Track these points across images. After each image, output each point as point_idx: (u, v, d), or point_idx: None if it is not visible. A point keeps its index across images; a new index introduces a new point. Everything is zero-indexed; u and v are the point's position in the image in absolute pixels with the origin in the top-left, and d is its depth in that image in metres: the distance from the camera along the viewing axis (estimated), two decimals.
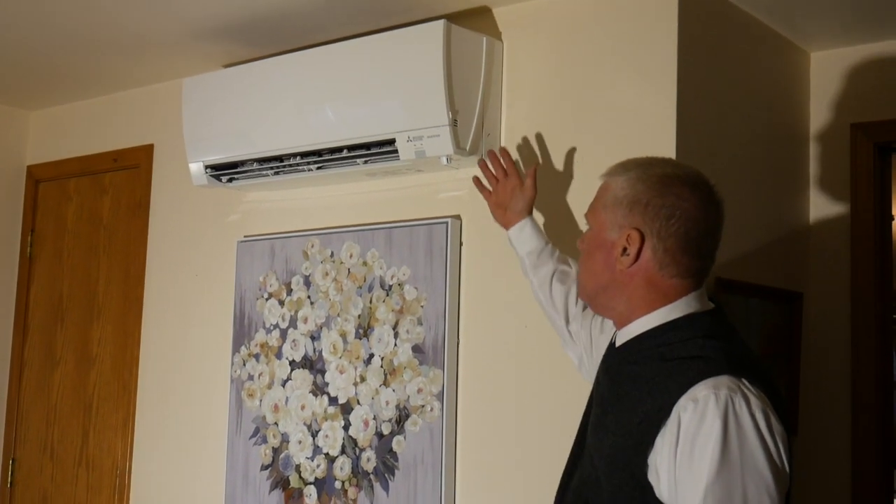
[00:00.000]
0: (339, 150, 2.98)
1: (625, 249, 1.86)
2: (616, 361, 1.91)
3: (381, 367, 3.00)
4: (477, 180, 2.72)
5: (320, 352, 3.16)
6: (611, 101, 2.71)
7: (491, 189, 2.68)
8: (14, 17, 3.17)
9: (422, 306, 2.93)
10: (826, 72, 3.20)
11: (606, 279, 1.90)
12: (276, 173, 3.18)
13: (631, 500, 1.75)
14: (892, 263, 3.21)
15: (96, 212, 4.05)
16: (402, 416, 2.94)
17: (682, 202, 1.84)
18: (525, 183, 2.58)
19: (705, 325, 1.84)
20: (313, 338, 3.18)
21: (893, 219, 3.38)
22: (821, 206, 3.18)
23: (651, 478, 1.71)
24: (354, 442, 3.04)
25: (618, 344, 1.93)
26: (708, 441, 1.64)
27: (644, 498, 1.73)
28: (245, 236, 3.47)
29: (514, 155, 2.87)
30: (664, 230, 1.84)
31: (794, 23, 3.00)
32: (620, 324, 1.92)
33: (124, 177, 3.96)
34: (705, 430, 1.65)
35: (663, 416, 1.70)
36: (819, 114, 3.21)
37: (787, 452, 1.70)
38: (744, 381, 1.70)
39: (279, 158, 3.13)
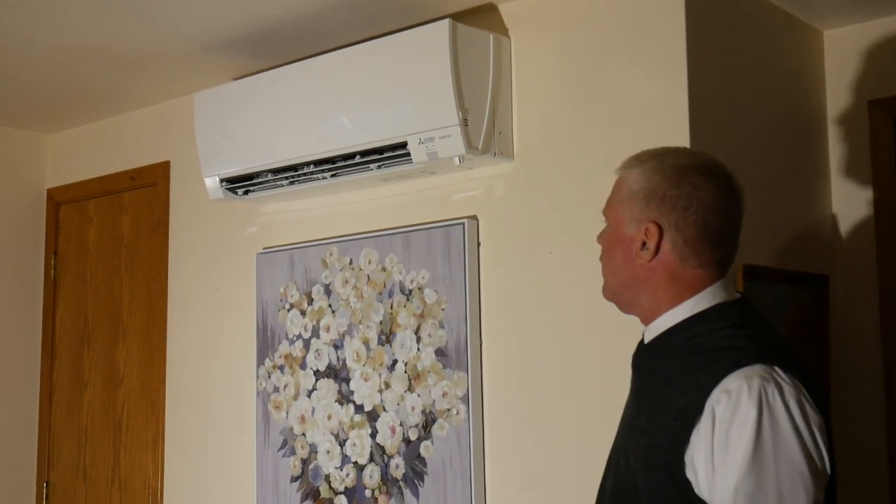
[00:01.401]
0: (351, 156, 2.96)
1: (644, 244, 1.83)
2: (646, 359, 1.89)
3: (405, 372, 2.98)
4: None
5: (344, 360, 3.14)
6: (622, 94, 2.68)
7: None
8: (26, 42, 3.18)
9: (443, 309, 2.91)
10: (840, 50, 3.16)
11: (629, 275, 1.87)
12: (291, 183, 3.17)
13: (669, 500, 1.71)
14: None
15: (117, 231, 4.06)
16: (428, 422, 2.92)
17: (698, 192, 1.81)
18: None
19: (733, 314, 1.81)
20: (336, 346, 3.17)
21: None
22: (843, 187, 3.13)
23: (689, 475, 1.68)
24: (382, 449, 3.02)
25: (646, 341, 1.90)
26: (742, 432, 1.61)
27: (683, 497, 1.69)
28: (264, 248, 3.46)
29: (528, 150, 2.85)
30: (682, 221, 1.81)
31: (804, 2, 2.96)
32: (647, 319, 1.89)
33: (142, 195, 3.97)
34: (739, 421, 1.62)
35: (697, 410, 1.67)
36: (835, 93, 3.16)
37: (826, 441, 1.66)
38: (776, 369, 1.67)
39: (293, 168, 3.12)
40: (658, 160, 1.87)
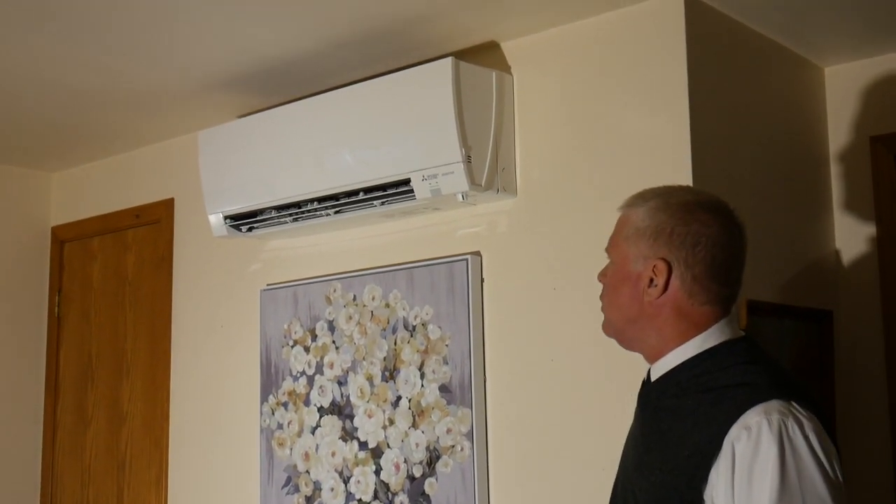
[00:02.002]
0: (355, 192, 2.97)
1: (651, 280, 1.83)
2: (654, 397, 1.87)
3: (409, 408, 2.97)
4: None
5: (348, 396, 3.14)
6: (624, 130, 2.69)
7: None
8: (31, 81, 3.21)
9: (446, 345, 2.91)
10: (841, 86, 3.17)
11: (635, 312, 1.87)
12: (295, 220, 3.18)
13: None
14: None
15: (120, 269, 4.07)
16: (432, 458, 2.91)
17: (706, 228, 1.82)
18: None
19: (743, 351, 1.81)
20: (340, 383, 3.16)
21: None
22: (845, 222, 3.13)
23: None
24: (387, 486, 3.01)
25: (653, 378, 1.89)
26: (766, 469, 1.61)
27: None
28: (268, 284, 3.46)
29: (531, 186, 2.86)
30: (691, 258, 1.81)
31: (805, 39, 2.98)
32: (653, 357, 1.89)
33: (146, 232, 3.98)
34: (762, 457, 1.62)
35: (714, 447, 1.67)
36: (837, 129, 3.17)
37: (841, 470, 1.67)
38: (793, 403, 1.68)
39: (297, 205, 3.13)
40: (663, 198, 1.87)
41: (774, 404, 1.66)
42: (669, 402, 1.82)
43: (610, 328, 1.95)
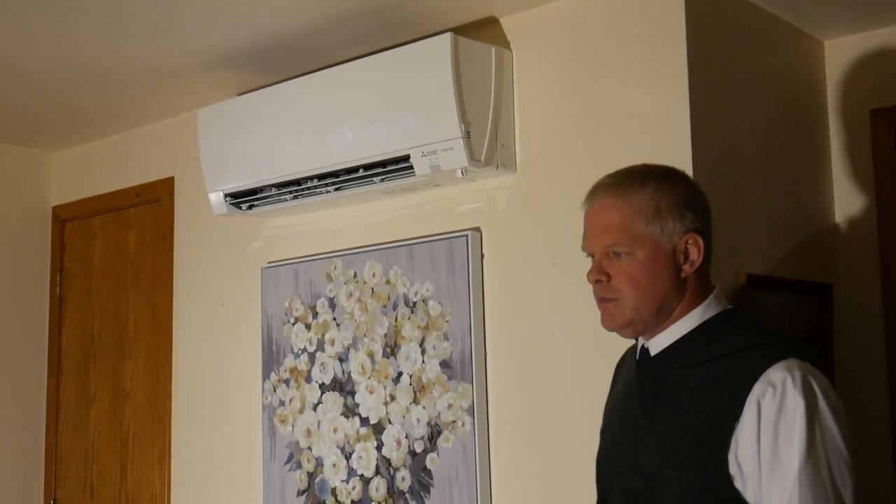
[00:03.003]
0: (355, 169, 2.97)
1: (686, 254, 1.87)
2: (658, 370, 1.89)
3: (410, 384, 2.98)
4: None
5: (349, 373, 3.15)
6: (623, 105, 2.69)
7: None
8: (30, 60, 3.20)
9: (447, 321, 2.92)
10: (841, 60, 3.17)
11: (669, 291, 1.87)
12: (295, 197, 3.18)
13: (706, 499, 1.74)
14: None
15: (122, 248, 4.07)
16: (433, 434, 2.92)
17: (699, 191, 1.93)
18: None
19: (742, 317, 1.91)
20: (341, 360, 3.18)
21: None
22: (845, 196, 3.13)
23: (732, 470, 1.72)
24: (388, 462, 3.02)
25: (653, 353, 1.91)
26: (794, 424, 1.68)
27: (720, 494, 1.73)
28: (269, 262, 3.47)
29: (530, 162, 2.86)
30: (703, 222, 1.89)
31: (805, 12, 2.97)
32: (655, 332, 1.91)
33: (147, 211, 3.99)
34: (788, 412, 1.68)
35: (738, 406, 1.71)
36: (837, 103, 3.17)
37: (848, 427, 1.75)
38: (807, 363, 1.74)
39: (297, 182, 3.13)
40: (653, 176, 1.90)
41: (794, 362, 1.73)
42: (677, 374, 1.85)
43: (623, 320, 1.89)
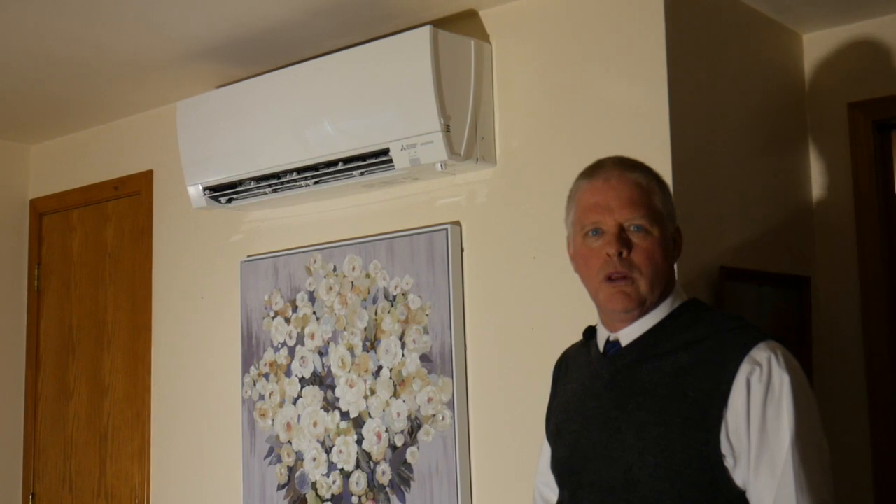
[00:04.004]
0: (334, 163, 2.97)
1: (675, 240, 1.93)
2: (632, 359, 1.90)
3: (391, 378, 2.98)
4: None
5: (329, 367, 3.14)
6: (603, 98, 2.69)
7: None
8: (7, 52, 3.18)
9: (427, 315, 2.92)
10: (819, 53, 3.18)
11: (668, 276, 1.92)
12: (275, 191, 3.17)
13: (694, 482, 1.76)
14: None
15: (100, 241, 4.05)
16: (413, 427, 2.92)
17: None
18: None
19: (705, 305, 1.97)
20: (321, 353, 3.17)
21: None
22: (823, 189, 3.15)
23: (724, 450, 1.75)
24: (368, 456, 3.02)
25: (625, 343, 1.92)
26: (782, 398, 1.74)
27: (710, 475, 1.75)
28: (248, 256, 3.46)
29: (510, 155, 2.86)
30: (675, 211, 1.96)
31: (783, 5, 2.98)
32: (628, 322, 1.91)
33: (126, 204, 3.97)
34: (775, 387, 1.74)
35: (725, 387, 1.75)
36: (815, 96, 3.18)
37: None
38: (779, 343, 1.80)
39: (276, 176, 3.13)
40: (635, 166, 1.94)
41: (773, 342, 1.79)
42: (654, 362, 1.86)
43: (639, 297, 1.87)
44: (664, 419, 1.79)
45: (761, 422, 1.74)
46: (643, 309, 1.89)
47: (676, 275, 2.00)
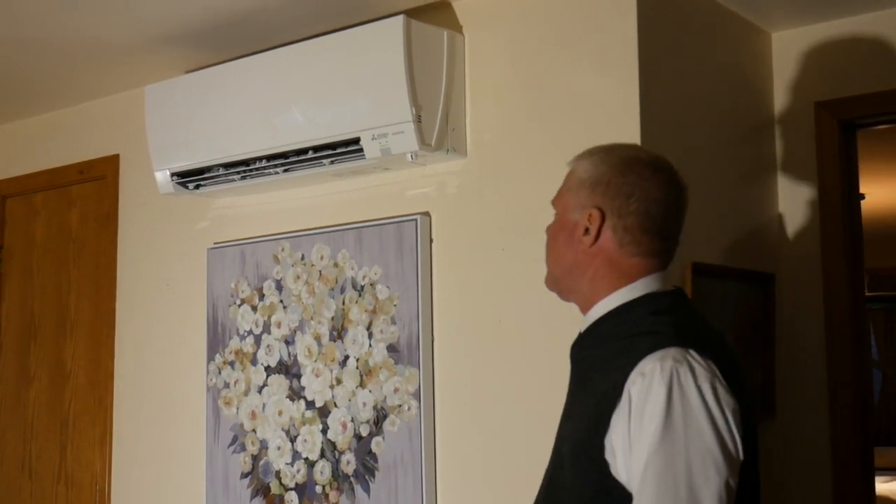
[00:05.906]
0: (304, 151, 2.96)
1: (587, 229, 1.87)
2: (581, 348, 1.92)
3: (357, 368, 2.98)
4: None
5: (295, 356, 3.14)
6: (574, 91, 2.70)
7: None
8: None
9: (395, 305, 2.92)
10: (788, 51, 3.20)
11: (570, 260, 1.91)
12: (243, 178, 3.15)
13: (591, 483, 1.73)
14: (863, 241, 3.22)
15: (65, 225, 4.01)
16: (379, 417, 2.92)
17: (642, 181, 1.86)
18: None
19: (662, 303, 1.84)
20: (287, 342, 3.16)
21: (863, 197, 3.39)
22: (789, 187, 3.18)
23: (608, 457, 1.70)
24: (333, 445, 3.02)
25: (582, 330, 1.93)
26: (654, 413, 1.64)
27: (602, 480, 1.71)
28: (215, 243, 3.44)
29: (481, 147, 2.86)
30: (624, 208, 1.85)
31: (754, 3, 3.00)
32: (585, 308, 1.92)
33: (91, 188, 3.93)
34: (651, 401, 1.64)
35: (617, 394, 1.70)
36: (782, 94, 3.21)
37: (739, 426, 1.67)
38: (691, 352, 1.69)
39: (245, 163, 3.11)
40: (606, 152, 1.92)
41: (671, 351, 1.68)
42: (591, 353, 1.86)
43: (550, 279, 1.99)
44: (580, 416, 1.79)
45: (637, 434, 1.65)
46: (563, 293, 1.96)
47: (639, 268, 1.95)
